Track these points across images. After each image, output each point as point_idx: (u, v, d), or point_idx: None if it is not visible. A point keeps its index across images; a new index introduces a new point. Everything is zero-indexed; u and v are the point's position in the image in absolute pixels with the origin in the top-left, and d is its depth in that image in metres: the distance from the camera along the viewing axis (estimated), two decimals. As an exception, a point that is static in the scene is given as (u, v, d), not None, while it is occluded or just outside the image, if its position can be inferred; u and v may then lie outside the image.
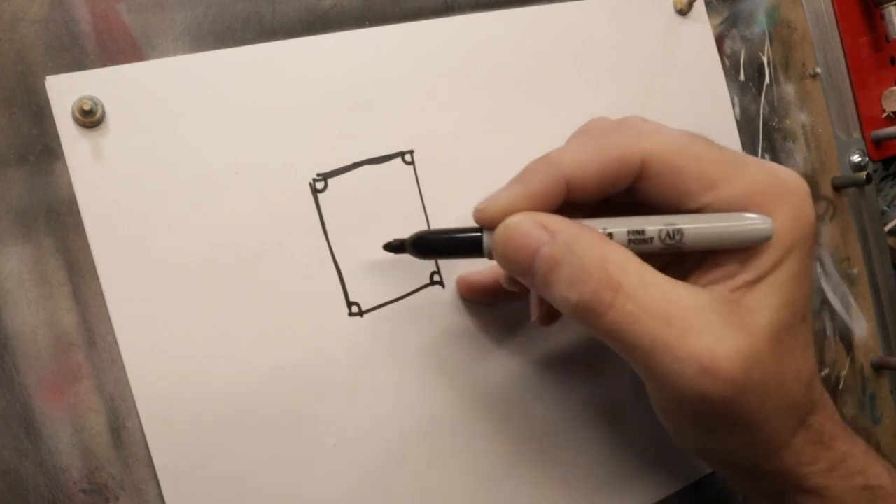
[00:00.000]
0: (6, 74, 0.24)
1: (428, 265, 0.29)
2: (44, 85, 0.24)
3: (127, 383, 0.24)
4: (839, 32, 0.41)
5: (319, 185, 0.27)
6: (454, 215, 0.29)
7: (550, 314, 0.27)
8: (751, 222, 0.22)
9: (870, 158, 0.41)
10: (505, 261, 0.23)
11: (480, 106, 0.30)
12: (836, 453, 0.25)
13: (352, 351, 0.27)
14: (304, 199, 0.27)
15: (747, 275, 0.23)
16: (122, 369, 0.24)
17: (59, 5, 0.24)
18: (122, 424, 0.24)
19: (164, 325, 0.25)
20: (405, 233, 0.27)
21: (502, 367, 0.30)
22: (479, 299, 0.29)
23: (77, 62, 0.24)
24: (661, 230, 0.22)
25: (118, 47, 0.25)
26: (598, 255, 0.22)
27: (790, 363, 0.23)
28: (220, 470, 0.25)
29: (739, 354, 0.21)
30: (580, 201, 0.24)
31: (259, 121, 0.26)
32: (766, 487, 0.26)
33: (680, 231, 0.22)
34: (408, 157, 0.28)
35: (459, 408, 0.29)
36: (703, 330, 0.21)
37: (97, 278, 0.24)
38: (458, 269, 0.29)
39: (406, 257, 0.28)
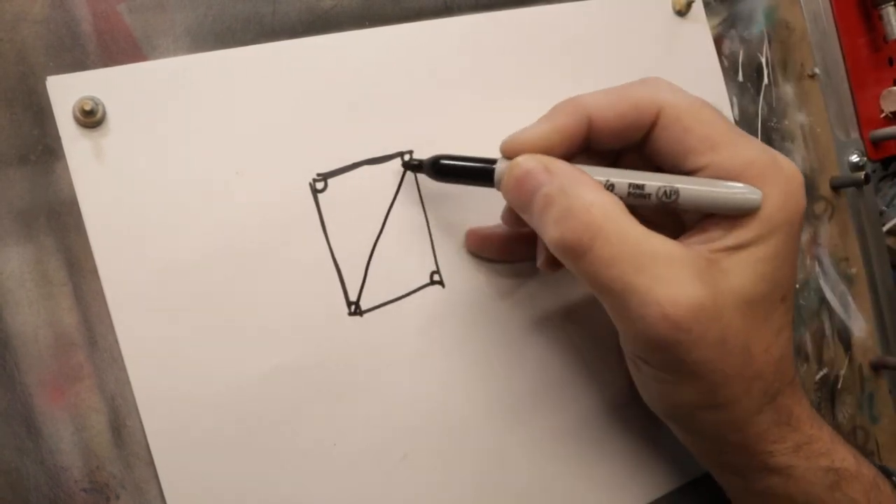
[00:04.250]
0: (7, 75, 0.24)
1: (428, 265, 0.29)
2: (45, 85, 0.24)
3: (128, 382, 0.24)
4: (837, 33, 0.41)
5: (319, 185, 0.27)
6: (453, 216, 0.29)
7: (553, 260, 0.27)
8: (741, 191, 0.24)
9: (868, 158, 0.42)
10: (509, 195, 0.25)
11: (480, 106, 0.30)
12: (803, 435, 0.25)
13: (352, 351, 0.27)
14: (304, 199, 0.27)
15: (729, 241, 0.24)
16: (123, 368, 0.24)
17: (60, 6, 0.24)
18: (122, 423, 0.24)
19: (165, 325, 0.25)
20: (405, 232, 0.27)
21: (502, 366, 0.30)
22: (486, 253, 0.30)
23: (78, 62, 0.25)
24: (659, 188, 0.24)
25: (119, 48, 0.25)
26: (587, 200, 0.23)
27: (760, 335, 0.24)
28: (221, 469, 0.25)
29: (697, 305, 0.22)
30: (599, 147, 0.26)
31: (259, 121, 0.26)
32: (730, 462, 0.27)
33: (676, 191, 0.24)
34: (407, 157, 0.29)
35: (459, 407, 0.29)
36: (672, 280, 0.22)
37: (98, 278, 0.24)
38: (460, 270, 0.29)
39: (405, 257, 0.28)
